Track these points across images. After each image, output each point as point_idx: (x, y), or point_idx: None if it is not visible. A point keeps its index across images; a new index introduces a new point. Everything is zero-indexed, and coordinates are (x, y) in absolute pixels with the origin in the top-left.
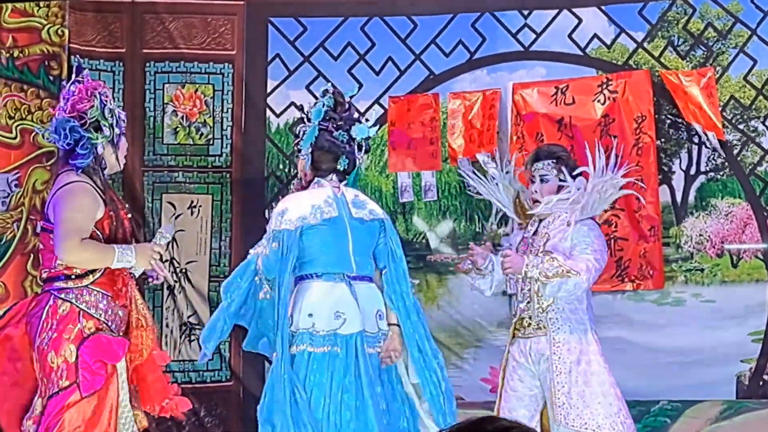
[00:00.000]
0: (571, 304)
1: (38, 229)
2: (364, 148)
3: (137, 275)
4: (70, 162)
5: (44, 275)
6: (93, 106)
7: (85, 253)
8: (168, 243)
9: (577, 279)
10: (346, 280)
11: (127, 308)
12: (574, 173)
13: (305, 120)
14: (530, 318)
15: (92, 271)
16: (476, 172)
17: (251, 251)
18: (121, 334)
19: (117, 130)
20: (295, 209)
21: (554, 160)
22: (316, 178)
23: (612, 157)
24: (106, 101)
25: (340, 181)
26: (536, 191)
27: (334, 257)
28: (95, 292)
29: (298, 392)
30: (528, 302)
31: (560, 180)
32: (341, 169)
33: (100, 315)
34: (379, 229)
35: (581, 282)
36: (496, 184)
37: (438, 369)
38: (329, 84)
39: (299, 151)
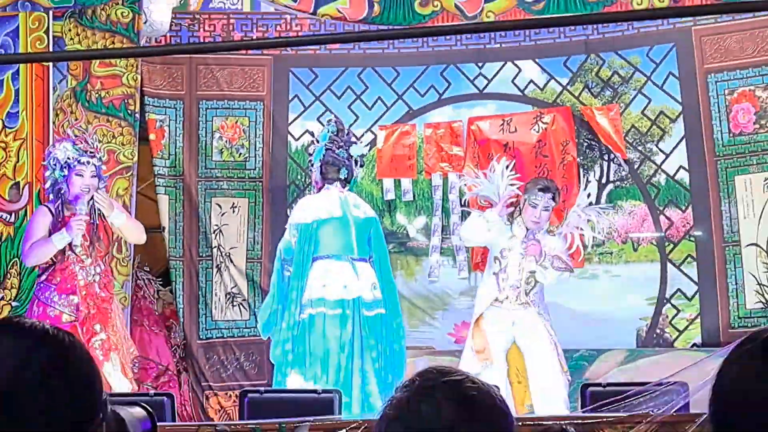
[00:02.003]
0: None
1: None
2: (359, 163)
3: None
4: None
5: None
6: (53, 153)
7: (35, 251)
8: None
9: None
10: (349, 260)
11: (72, 294)
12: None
13: (315, 142)
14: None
15: (44, 271)
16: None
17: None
18: (76, 317)
19: (64, 171)
20: (311, 208)
21: (552, 195)
22: (325, 185)
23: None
24: (51, 152)
25: (343, 187)
26: (539, 216)
27: (341, 243)
28: (46, 286)
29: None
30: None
31: (552, 208)
32: (343, 177)
33: (46, 302)
34: (371, 225)
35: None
36: (493, 183)
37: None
38: (332, 115)
39: (312, 165)
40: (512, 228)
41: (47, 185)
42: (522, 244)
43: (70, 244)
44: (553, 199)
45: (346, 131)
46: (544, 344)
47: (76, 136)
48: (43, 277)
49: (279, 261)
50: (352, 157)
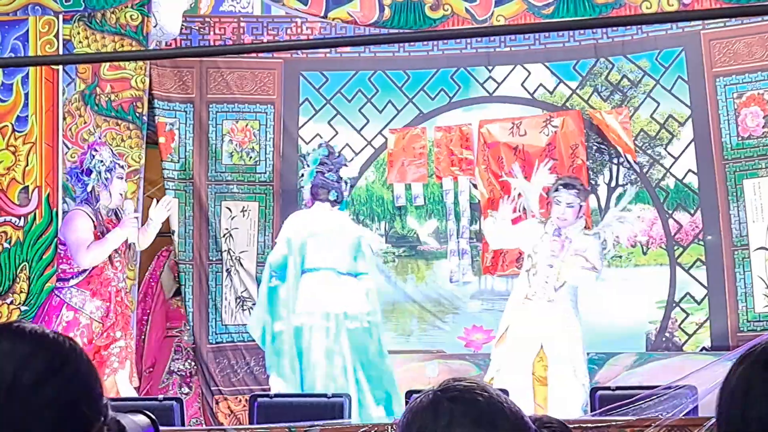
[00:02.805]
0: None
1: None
2: (349, 184)
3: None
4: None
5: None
6: (85, 158)
7: (94, 252)
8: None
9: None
10: (336, 275)
11: (109, 302)
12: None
13: (306, 165)
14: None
15: (76, 276)
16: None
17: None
18: (104, 323)
19: (107, 175)
20: (301, 223)
21: (576, 191)
22: (316, 203)
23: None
24: (95, 155)
25: (332, 205)
26: (563, 213)
27: (329, 258)
28: (76, 290)
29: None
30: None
31: (579, 205)
32: (332, 199)
33: (78, 306)
34: (358, 243)
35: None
36: (533, 187)
37: None
38: (323, 140)
39: (302, 187)
40: (545, 226)
41: (87, 188)
42: (551, 242)
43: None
44: (578, 195)
45: (336, 154)
46: (567, 350)
47: (105, 141)
48: (74, 281)
49: (269, 273)
50: (342, 179)
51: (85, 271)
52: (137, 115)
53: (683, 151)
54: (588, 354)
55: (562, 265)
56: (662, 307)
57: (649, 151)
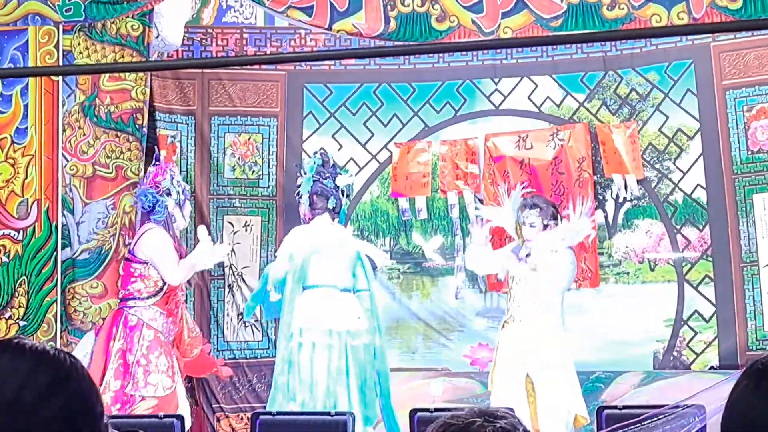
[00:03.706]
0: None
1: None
2: (345, 193)
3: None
4: (150, 218)
5: (120, 295)
6: (165, 178)
7: (184, 270)
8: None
9: None
10: (337, 291)
11: (177, 323)
12: (556, 216)
13: (302, 174)
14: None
15: (155, 295)
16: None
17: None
18: (172, 339)
19: (182, 196)
20: (303, 238)
21: (538, 210)
22: (315, 216)
23: (587, 205)
24: (173, 175)
25: (332, 219)
26: (527, 233)
27: (330, 274)
28: (154, 309)
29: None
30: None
31: (543, 224)
32: (331, 207)
33: (157, 326)
34: (358, 258)
35: None
36: (504, 212)
37: None
38: (319, 147)
39: (300, 197)
40: (519, 252)
41: (168, 209)
42: (521, 265)
43: None
44: (540, 215)
45: (331, 163)
46: (552, 374)
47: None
48: (151, 300)
49: (263, 284)
50: (338, 187)
51: (161, 290)
52: (137, 126)
53: (692, 165)
54: (594, 372)
55: (530, 287)
56: (670, 325)
57: (657, 166)
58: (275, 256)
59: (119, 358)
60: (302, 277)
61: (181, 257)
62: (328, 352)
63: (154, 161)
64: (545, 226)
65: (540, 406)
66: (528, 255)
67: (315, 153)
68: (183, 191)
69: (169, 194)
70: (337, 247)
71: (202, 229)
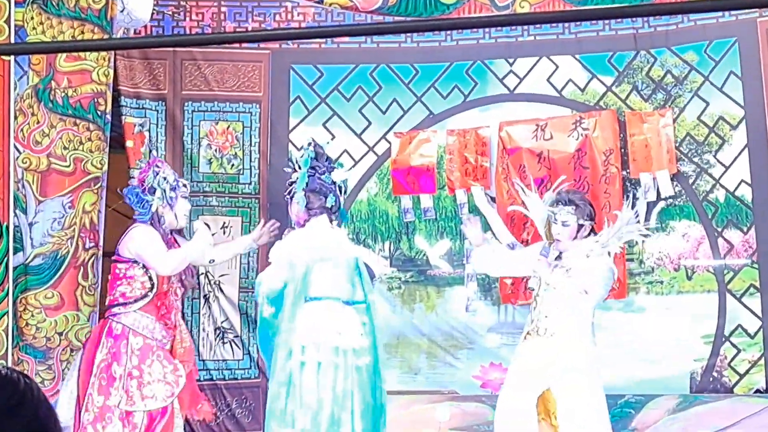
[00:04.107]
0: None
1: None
2: (343, 190)
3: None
4: (135, 218)
5: (107, 302)
6: (148, 175)
7: (176, 257)
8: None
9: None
10: (341, 304)
11: (171, 330)
12: (594, 218)
13: (296, 168)
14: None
15: (140, 299)
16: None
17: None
18: (168, 346)
19: (172, 194)
20: (302, 244)
21: (573, 207)
22: (310, 218)
23: (637, 210)
24: (158, 172)
25: (330, 219)
26: (559, 233)
27: (333, 285)
28: (140, 315)
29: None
30: None
31: (578, 224)
32: (329, 206)
33: (146, 333)
34: (357, 266)
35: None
36: (544, 202)
37: None
38: (311, 138)
39: (292, 196)
40: (548, 254)
41: (151, 208)
42: (549, 269)
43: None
44: (576, 212)
45: (325, 156)
46: (581, 396)
47: (162, 159)
48: (136, 305)
49: (261, 298)
50: (335, 183)
51: (148, 294)
52: (99, 113)
53: (735, 158)
54: (623, 396)
55: (559, 295)
56: (709, 342)
57: (695, 159)
58: (266, 262)
59: (102, 371)
60: (304, 289)
61: None
62: (334, 372)
63: (149, 161)
64: (580, 227)
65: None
66: (558, 258)
67: (308, 144)
68: (174, 188)
69: (153, 192)
70: (339, 253)
71: (199, 222)
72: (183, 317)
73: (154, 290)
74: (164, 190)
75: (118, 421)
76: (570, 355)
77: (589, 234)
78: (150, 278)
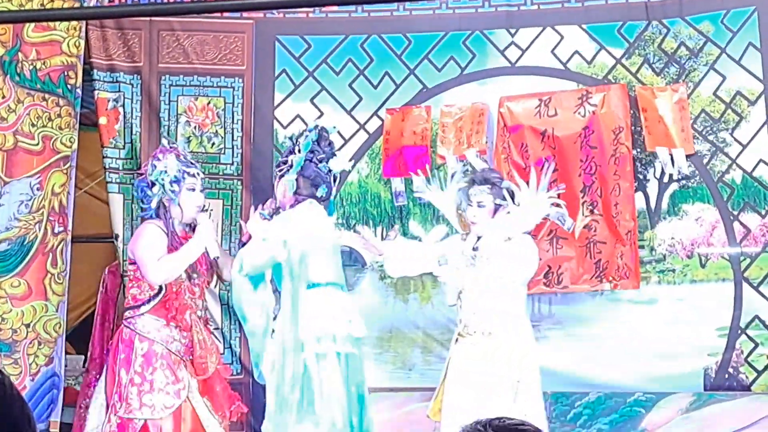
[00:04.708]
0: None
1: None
2: (338, 180)
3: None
4: (142, 215)
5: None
6: (148, 166)
7: (167, 265)
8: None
9: None
10: (344, 291)
11: (188, 331)
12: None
13: (295, 151)
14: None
15: (148, 302)
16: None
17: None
18: (182, 354)
19: (176, 187)
20: (298, 225)
21: (489, 187)
22: (298, 203)
23: (543, 178)
24: (156, 165)
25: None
26: (474, 215)
27: (333, 271)
28: (148, 318)
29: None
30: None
31: (495, 204)
32: (320, 196)
33: (154, 337)
34: (344, 252)
35: None
36: (444, 193)
37: None
38: (317, 122)
39: (282, 176)
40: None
41: (151, 204)
42: (468, 260)
43: (181, 278)
44: (492, 191)
45: (328, 141)
46: (516, 402)
47: (172, 146)
48: (145, 308)
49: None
50: (331, 171)
51: (157, 295)
52: (69, 87)
53: (753, 136)
54: (632, 394)
55: (480, 286)
56: (725, 335)
57: (711, 137)
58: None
59: (117, 378)
60: (304, 274)
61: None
62: (347, 362)
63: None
64: (497, 208)
65: None
66: (476, 248)
67: (315, 126)
68: (177, 181)
69: (152, 186)
70: (333, 239)
71: (202, 216)
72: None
73: (163, 291)
74: (163, 184)
75: (116, 426)
76: (503, 354)
77: (496, 213)
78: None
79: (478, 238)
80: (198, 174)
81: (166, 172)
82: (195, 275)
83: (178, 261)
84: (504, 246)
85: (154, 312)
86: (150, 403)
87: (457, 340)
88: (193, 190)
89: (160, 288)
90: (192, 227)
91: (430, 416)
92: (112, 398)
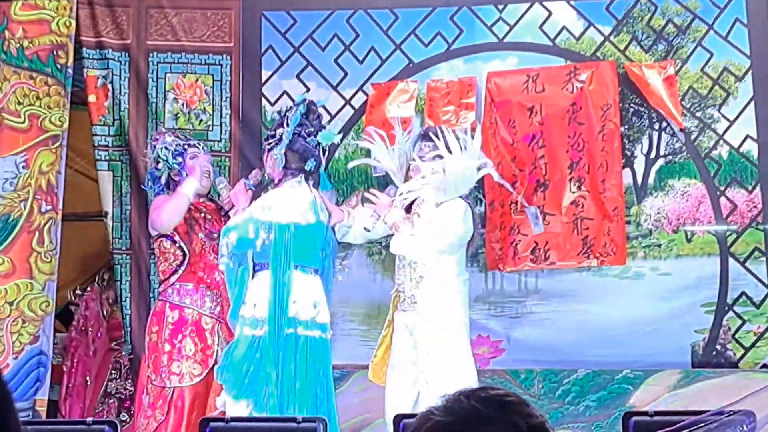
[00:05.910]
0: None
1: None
2: (327, 153)
3: (205, 192)
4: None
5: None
6: (149, 153)
7: (164, 213)
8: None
9: None
10: (314, 273)
11: (218, 289)
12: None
13: (284, 125)
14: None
15: (175, 271)
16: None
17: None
18: (217, 315)
19: (179, 158)
20: (285, 206)
21: (431, 143)
22: (288, 177)
23: (469, 139)
24: (155, 145)
25: (307, 180)
26: (413, 169)
27: (310, 253)
28: (178, 286)
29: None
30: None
31: (435, 157)
32: (308, 169)
33: (186, 302)
34: (328, 231)
35: None
36: (394, 150)
37: None
38: (306, 95)
39: (270, 150)
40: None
41: (161, 180)
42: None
43: (201, 239)
44: (436, 148)
45: (316, 114)
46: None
47: (166, 129)
48: (174, 277)
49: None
50: (320, 144)
51: (183, 262)
52: (58, 67)
53: (741, 112)
54: (620, 372)
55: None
56: (711, 311)
57: (698, 114)
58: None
59: (151, 350)
60: (290, 256)
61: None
62: (319, 346)
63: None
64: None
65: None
66: (411, 211)
67: (303, 100)
68: (180, 153)
69: (157, 164)
70: (320, 221)
71: (220, 180)
72: (150, 287)
73: (188, 258)
74: (167, 159)
75: (154, 398)
76: (432, 327)
77: None
78: (180, 247)
79: (417, 201)
80: (198, 144)
81: (166, 148)
82: (215, 234)
83: (174, 204)
84: (434, 211)
85: (183, 279)
86: (178, 371)
87: (396, 315)
88: (197, 157)
89: (184, 254)
90: (210, 199)
91: (372, 379)
92: (147, 369)
